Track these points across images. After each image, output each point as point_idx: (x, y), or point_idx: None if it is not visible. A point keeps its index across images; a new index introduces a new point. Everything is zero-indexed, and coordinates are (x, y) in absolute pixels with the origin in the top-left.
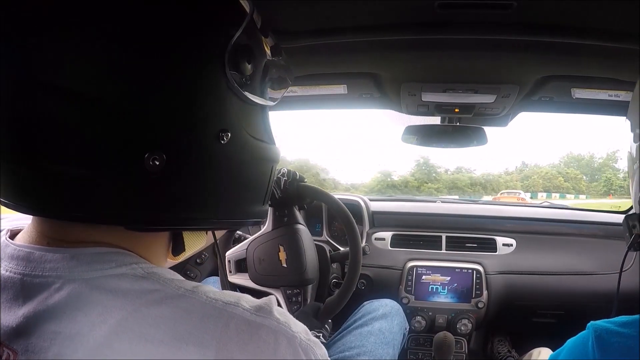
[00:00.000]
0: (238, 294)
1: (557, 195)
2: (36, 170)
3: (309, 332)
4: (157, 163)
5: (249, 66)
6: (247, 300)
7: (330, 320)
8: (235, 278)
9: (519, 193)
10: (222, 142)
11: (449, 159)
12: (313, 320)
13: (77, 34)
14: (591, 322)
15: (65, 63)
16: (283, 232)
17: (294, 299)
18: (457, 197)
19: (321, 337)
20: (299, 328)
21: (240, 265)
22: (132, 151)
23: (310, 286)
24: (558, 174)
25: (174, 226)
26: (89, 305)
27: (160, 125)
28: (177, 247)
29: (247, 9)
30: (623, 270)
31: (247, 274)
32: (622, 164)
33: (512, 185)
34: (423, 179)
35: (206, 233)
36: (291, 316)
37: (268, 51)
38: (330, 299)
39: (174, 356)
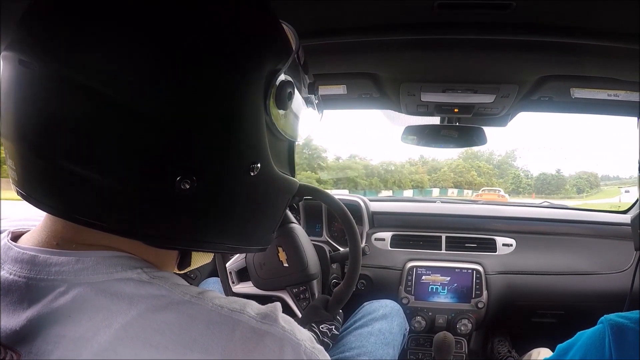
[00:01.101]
0: (244, 300)
1: (470, 192)
2: (68, 173)
3: (314, 340)
4: (187, 187)
5: (289, 102)
6: (253, 307)
7: (341, 311)
8: (239, 288)
9: (499, 191)
10: (252, 174)
11: (340, 144)
12: (324, 312)
13: (127, 43)
14: (605, 316)
15: (109, 71)
16: (278, 233)
17: (301, 296)
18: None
19: (334, 329)
20: (304, 336)
21: (242, 275)
22: (165, 172)
23: (315, 281)
24: (470, 167)
25: (191, 247)
26: (94, 309)
27: (197, 151)
28: (184, 262)
29: (293, 45)
30: (623, 270)
31: (250, 282)
32: (521, 162)
33: (417, 178)
34: (302, 166)
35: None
36: (296, 324)
37: (306, 88)
38: (338, 289)
39: None
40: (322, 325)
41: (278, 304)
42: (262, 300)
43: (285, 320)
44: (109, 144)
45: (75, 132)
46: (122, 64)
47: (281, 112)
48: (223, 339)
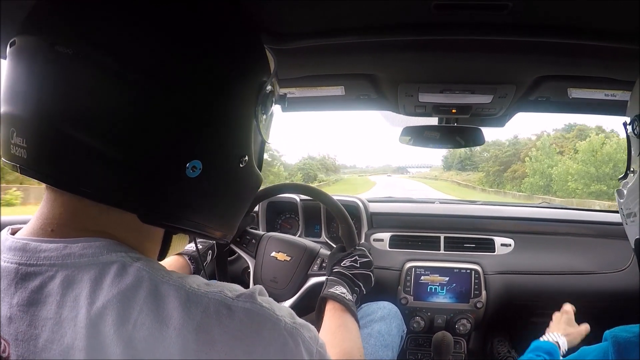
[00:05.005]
0: (222, 284)
1: None
2: (91, 151)
3: (295, 316)
4: (194, 171)
5: (270, 109)
6: (231, 288)
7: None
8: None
9: None
10: (241, 165)
11: None
12: (340, 253)
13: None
14: (608, 331)
15: (150, 62)
16: (263, 246)
17: (323, 265)
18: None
19: (357, 257)
20: (284, 312)
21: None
22: (179, 156)
23: (322, 249)
24: None
25: (180, 226)
26: (78, 291)
27: (208, 141)
28: (164, 249)
29: (273, 61)
30: (621, 269)
31: (285, 302)
32: None
33: None
34: None
35: (187, 240)
36: (276, 303)
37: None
38: (341, 230)
39: (155, 338)
40: (343, 262)
41: (259, 286)
42: (301, 308)
43: (263, 299)
44: (137, 127)
45: (104, 113)
46: (160, 58)
47: (263, 116)
48: (198, 315)
